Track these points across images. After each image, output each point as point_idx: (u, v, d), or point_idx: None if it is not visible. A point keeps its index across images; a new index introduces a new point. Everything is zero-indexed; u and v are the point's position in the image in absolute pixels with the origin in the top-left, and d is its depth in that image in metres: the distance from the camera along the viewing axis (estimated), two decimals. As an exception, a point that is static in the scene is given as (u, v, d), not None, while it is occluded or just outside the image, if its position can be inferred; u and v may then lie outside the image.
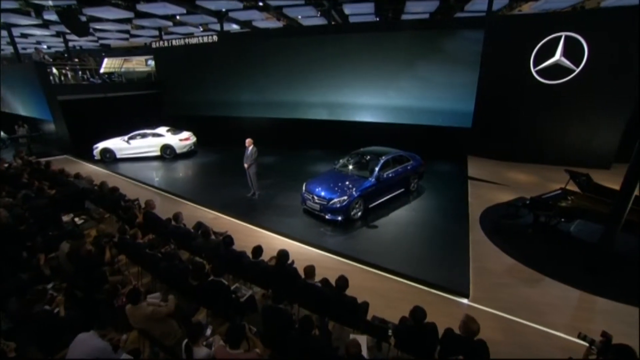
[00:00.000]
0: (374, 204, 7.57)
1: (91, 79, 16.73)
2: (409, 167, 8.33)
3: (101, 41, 22.22)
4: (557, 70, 10.23)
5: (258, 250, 4.37)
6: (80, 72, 16.71)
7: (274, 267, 4.28)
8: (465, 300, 4.71)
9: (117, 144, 12.84)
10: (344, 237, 6.55)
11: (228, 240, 4.59)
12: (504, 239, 6.43)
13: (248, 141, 8.16)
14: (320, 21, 15.41)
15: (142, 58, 25.17)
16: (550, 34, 10.04)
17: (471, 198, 8.38)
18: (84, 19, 13.60)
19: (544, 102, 10.67)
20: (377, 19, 14.07)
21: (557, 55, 10.09)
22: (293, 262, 4.96)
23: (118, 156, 12.87)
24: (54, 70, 16.92)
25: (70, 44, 23.19)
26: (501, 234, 6.64)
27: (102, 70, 25.03)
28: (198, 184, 10.48)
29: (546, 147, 11.05)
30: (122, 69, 25.14)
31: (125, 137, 12.88)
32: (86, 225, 6.39)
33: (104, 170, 11.96)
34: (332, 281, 4.07)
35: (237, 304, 3.97)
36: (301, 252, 6.10)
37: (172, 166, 12.29)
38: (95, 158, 12.77)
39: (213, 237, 5.33)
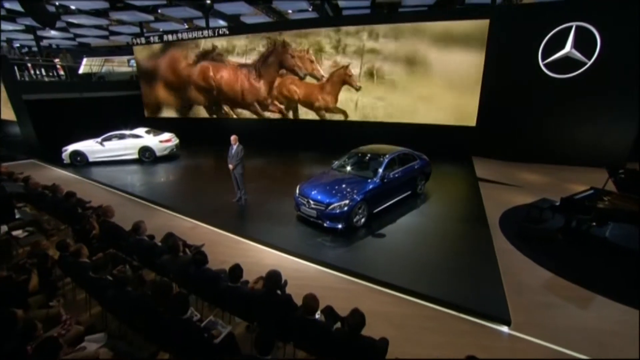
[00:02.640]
0: (379, 208, 6.58)
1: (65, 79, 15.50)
2: (415, 167, 7.39)
3: (79, 39, 20.88)
4: (567, 63, 9.53)
5: (236, 270, 3.30)
6: (55, 71, 15.48)
7: (261, 293, 3.22)
8: (505, 329, 3.71)
9: (89, 146, 11.60)
10: (347, 248, 5.51)
11: (200, 257, 3.51)
12: (531, 246, 5.52)
13: (233, 138, 7.11)
14: (312, 16, 14.57)
15: (125, 58, 23.96)
16: (560, 25, 9.36)
17: (485, 201, 7.48)
18: (52, 9, 12.43)
19: (553, 98, 9.95)
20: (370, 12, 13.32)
21: (568, 47, 9.40)
22: (286, 282, 3.92)
23: (90, 159, 11.63)
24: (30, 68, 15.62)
25: (45, 42, 21.86)
26: (527, 240, 5.72)
27: (80, 71, 23.72)
28: (177, 189, 9.32)
29: (556, 146, 10.31)
30: (103, 70, 23.88)
31: (99, 139, 11.66)
32: (31, 238, 5.20)
33: (72, 175, 10.71)
34: (338, 307, 3.08)
35: (211, 346, 2.89)
36: (296, 269, 5.04)
37: (151, 170, 11.10)
38: (65, 162, 11.50)
39: (186, 251, 4.26)
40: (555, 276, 4.66)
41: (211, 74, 13.93)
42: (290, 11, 14.96)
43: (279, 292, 3.23)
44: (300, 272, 4.94)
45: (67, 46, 23.49)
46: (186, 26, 17.13)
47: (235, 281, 3.27)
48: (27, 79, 13.99)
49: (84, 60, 23.76)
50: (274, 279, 3.10)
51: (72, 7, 13.15)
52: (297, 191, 6.52)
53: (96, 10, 13.81)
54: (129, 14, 13.92)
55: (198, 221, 6.85)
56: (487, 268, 4.85)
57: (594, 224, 5.71)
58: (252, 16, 15.37)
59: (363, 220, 6.13)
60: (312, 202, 6.03)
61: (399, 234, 5.95)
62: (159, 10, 14.14)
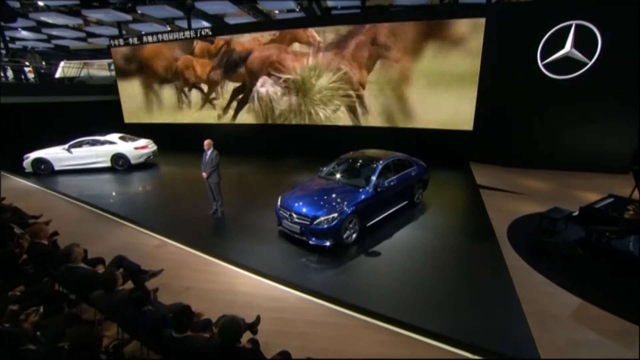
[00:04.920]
0: (373, 221, 5.78)
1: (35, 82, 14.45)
2: (412, 174, 6.65)
3: (55, 41, 19.78)
4: (567, 64, 9.04)
5: (183, 317, 2.42)
6: (23, 74, 14.43)
7: (216, 345, 2.35)
8: (537, 380, 2.93)
9: (54, 154, 10.57)
10: (335, 271, 4.67)
11: (138, 296, 2.62)
12: (548, 263, 4.79)
13: (206, 143, 6.26)
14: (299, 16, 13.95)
15: (105, 62, 22.88)
16: (559, 23, 8.89)
17: (490, 210, 6.78)
18: (17, 4, 11.48)
19: (553, 100, 9.44)
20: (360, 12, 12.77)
21: (568, 47, 8.92)
22: (258, 319, 3.09)
23: (56, 168, 10.59)
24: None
25: (18, 44, 20.69)
26: (542, 256, 5.00)
27: (57, 75, 22.55)
28: (149, 200, 8.36)
29: (556, 150, 9.77)
30: (82, 74, 22.76)
31: (66, 145, 10.63)
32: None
33: (33, 185, 9.64)
34: (324, 348, 2.36)
35: None
36: (274, 297, 4.17)
37: (123, 179, 10.12)
38: (26, 170, 10.43)
39: (141, 278, 3.37)
40: (584, 303, 3.91)
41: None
42: (277, 11, 14.34)
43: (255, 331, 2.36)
44: (278, 302, 4.07)
45: (44, 49, 22.34)
46: (168, 27, 16.33)
47: (181, 330, 2.40)
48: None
49: (61, 64, 22.71)
50: (229, 330, 2.24)
51: (40, 3, 12.19)
52: (279, 202, 5.68)
53: (69, 9, 12.90)
54: (104, 12, 13.03)
55: (166, 238, 5.93)
56: (502, 293, 4.08)
57: (614, 236, 5.04)
58: (236, 16, 14.68)
59: (355, 235, 5.31)
60: (295, 215, 5.20)
61: (396, 251, 5.15)
62: (139, 11, 13.32)
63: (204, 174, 6.29)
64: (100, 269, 3.71)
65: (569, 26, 8.80)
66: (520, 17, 9.43)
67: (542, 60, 9.28)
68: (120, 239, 5.97)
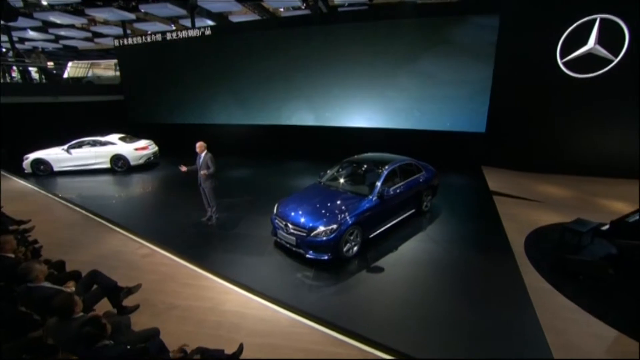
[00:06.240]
0: (376, 232, 5.32)
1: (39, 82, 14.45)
2: (420, 180, 6.15)
3: (63, 41, 19.84)
4: (590, 61, 8.38)
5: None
6: (27, 74, 14.43)
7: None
8: None
9: (54, 154, 10.40)
10: (333, 289, 4.22)
11: (90, 331, 2.22)
12: (575, 285, 4.25)
13: (199, 145, 5.89)
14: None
15: (112, 62, 22.91)
16: (581, 17, 8.25)
17: (504, 220, 6.23)
18: (19, 3, 11.37)
19: (574, 100, 8.80)
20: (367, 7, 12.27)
21: (591, 43, 8.27)
22: (239, 351, 2.69)
23: (55, 169, 10.43)
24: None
25: (28, 44, 20.85)
26: (567, 275, 4.45)
27: (65, 75, 22.71)
28: (144, 204, 8.05)
29: (576, 154, 9.12)
30: (89, 74, 22.88)
31: (65, 146, 10.46)
32: None
33: (30, 186, 9.46)
34: None
35: None
36: (262, 318, 3.75)
37: (122, 181, 9.87)
38: (25, 171, 10.29)
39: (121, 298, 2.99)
40: (621, 335, 3.38)
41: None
42: (282, 9, 13.96)
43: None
44: (267, 324, 3.64)
45: (53, 49, 22.50)
46: (173, 27, 16.15)
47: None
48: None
49: (69, 65, 22.86)
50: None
51: (44, 3, 12.09)
52: (275, 210, 5.27)
53: (73, 8, 12.80)
54: (107, 11, 12.87)
55: (155, 246, 5.57)
56: (521, 319, 3.58)
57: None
58: (241, 15, 14.37)
59: (356, 248, 4.85)
60: (290, 225, 4.77)
61: (401, 267, 4.67)
62: (142, 9, 13.14)
63: (202, 172, 5.85)
64: (71, 287, 3.35)
65: (593, 20, 8.16)
66: (537, 12, 8.80)
67: (561, 57, 8.65)
68: (108, 246, 5.65)
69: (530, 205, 7.12)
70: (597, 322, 3.58)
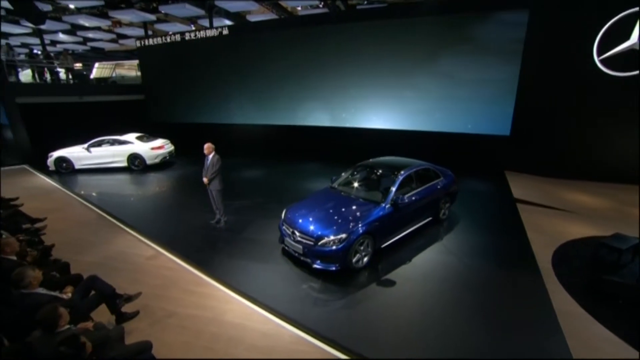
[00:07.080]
0: (389, 242, 5.01)
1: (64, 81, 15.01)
2: (438, 186, 5.77)
3: (90, 43, 20.63)
4: (631, 59, 7.67)
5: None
6: (54, 74, 15.01)
7: None
8: None
9: (75, 153, 10.73)
10: (340, 303, 3.96)
11: (66, 351, 2.09)
12: (613, 310, 3.78)
13: (207, 147, 5.79)
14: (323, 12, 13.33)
15: (135, 62, 23.58)
16: (622, 10, 7.55)
17: (529, 231, 5.75)
18: (48, 7, 11.82)
19: (611, 100, 8.09)
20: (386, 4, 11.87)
21: (634, 38, 7.55)
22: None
23: (77, 167, 10.75)
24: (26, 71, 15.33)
25: (59, 47, 21.82)
26: (603, 298, 3.98)
27: (92, 76, 23.59)
28: (155, 204, 8.07)
29: (613, 160, 8.39)
30: (114, 75, 23.64)
31: (85, 145, 10.75)
32: None
33: (53, 183, 9.78)
34: None
35: None
36: (264, 333, 3.55)
37: (137, 180, 10.02)
38: (50, 169, 10.66)
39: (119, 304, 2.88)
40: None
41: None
42: (299, 8, 13.79)
43: None
44: (269, 340, 3.44)
45: (83, 51, 23.46)
46: (192, 27, 16.37)
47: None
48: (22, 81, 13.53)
49: (95, 66, 23.72)
50: None
51: (71, 6, 12.52)
52: (282, 216, 5.07)
53: (99, 11, 13.19)
54: (129, 12, 13.18)
55: (161, 248, 5.52)
56: (548, 348, 3.18)
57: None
58: (259, 14, 14.33)
59: (366, 259, 4.57)
60: (298, 233, 4.55)
61: (414, 281, 4.35)
62: (162, 10, 13.36)
63: (205, 180, 5.82)
64: (68, 292, 3.28)
65: (636, 14, 7.44)
66: (572, 5, 8.14)
67: (599, 54, 7.97)
68: (116, 247, 5.64)
69: (559, 216, 6.56)
70: (638, 355, 3.13)
